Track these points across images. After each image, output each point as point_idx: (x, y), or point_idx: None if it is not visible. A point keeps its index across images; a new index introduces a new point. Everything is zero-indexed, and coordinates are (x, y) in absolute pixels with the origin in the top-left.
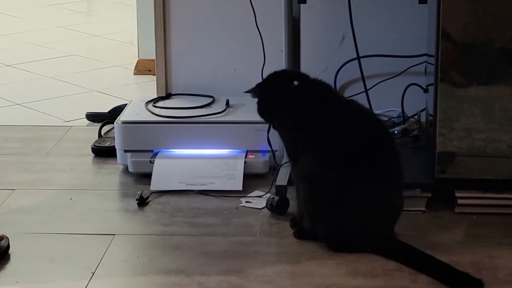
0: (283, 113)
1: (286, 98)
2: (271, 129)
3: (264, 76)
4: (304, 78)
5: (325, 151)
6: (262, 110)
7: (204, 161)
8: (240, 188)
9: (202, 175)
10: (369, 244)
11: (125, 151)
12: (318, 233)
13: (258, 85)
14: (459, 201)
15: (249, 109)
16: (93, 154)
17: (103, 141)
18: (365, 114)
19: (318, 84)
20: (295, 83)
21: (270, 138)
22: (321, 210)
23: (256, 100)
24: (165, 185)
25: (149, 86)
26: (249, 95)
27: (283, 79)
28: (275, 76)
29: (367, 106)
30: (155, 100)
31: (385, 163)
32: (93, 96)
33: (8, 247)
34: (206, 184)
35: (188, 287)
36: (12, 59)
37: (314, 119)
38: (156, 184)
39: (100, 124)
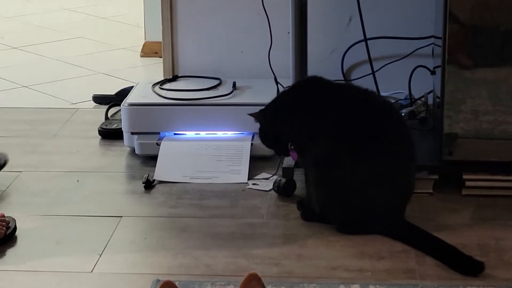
0: (284, 116)
1: (285, 103)
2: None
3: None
4: (294, 86)
5: (333, 136)
6: (262, 136)
7: (209, 154)
8: (246, 181)
9: (206, 169)
10: (380, 226)
11: (132, 133)
12: (329, 216)
13: (261, 111)
14: (467, 183)
15: (256, 91)
16: (99, 136)
17: (110, 123)
18: (370, 95)
19: (312, 79)
20: (287, 93)
21: None
22: (332, 194)
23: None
24: (169, 177)
25: (156, 68)
26: (256, 78)
27: (280, 99)
28: (274, 101)
29: (374, 88)
30: (161, 82)
31: (395, 143)
32: (100, 79)
33: (15, 229)
34: (210, 178)
35: (195, 269)
36: (19, 42)
37: (317, 108)
38: (160, 175)
39: (106, 107)
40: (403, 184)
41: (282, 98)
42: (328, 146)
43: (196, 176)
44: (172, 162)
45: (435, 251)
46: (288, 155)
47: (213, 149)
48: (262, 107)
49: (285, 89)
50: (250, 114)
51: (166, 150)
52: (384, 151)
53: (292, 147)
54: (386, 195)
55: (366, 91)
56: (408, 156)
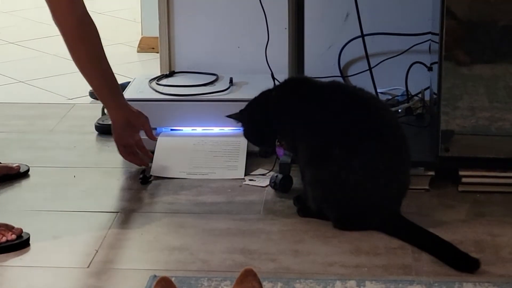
0: (273, 118)
1: (270, 107)
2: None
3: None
4: (281, 84)
5: (325, 133)
6: (249, 134)
7: (206, 150)
8: (242, 176)
9: (203, 165)
10: (376, 222)
11: None
12: (325, 213)
13: (242, 111)
14: (463, 180)
15: (252, 87)
16: (96, 132)
17: (107, 119)
18: (358, 92)
19: (297, 80)
20: (273, 93)
21: None
22: (328, 191)
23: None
24: (166, 172)
25: (153, 64)
26: (253, 74)
27: (263, 97)
28: (256, 100)
29: (371, 84)
30: (158, 78)
31: (387, 138)
32: None
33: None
34: (207, 174)
35: (192, 265)
36: (15, 37)
37: (306, 109)
38: (157, 170)
39: None
40: (398, 179)
41: (267, 98)
42: (321, 144)
43: (193, 172)
44: (168, 158)
45: (431, 247)
46: (274, 152)
47: (210, 145)
48: (241, 108)
49: (266, 90)
50: (229, 116)
51: (162, 146)
52: (377, 147)
53: (278, 143)
54: (381, 190)
55: (354, 88)
56: (401, 150)
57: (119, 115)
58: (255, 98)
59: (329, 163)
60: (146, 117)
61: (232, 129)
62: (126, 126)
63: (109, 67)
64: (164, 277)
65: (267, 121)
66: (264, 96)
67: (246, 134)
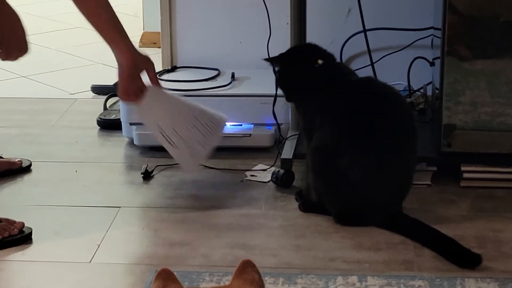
0: (306, 91)
1: (309, 75)
2: (277, 102)
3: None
4: (328, 57)
5: (340, 126)
6: (281, 81)
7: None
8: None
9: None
10: (377, 219)
11: (131, 123)
12: (326, 207)
13: (282, 55)
14: (465, 175)
15: (254, 82)
16: (98, 127)
17: (108, 114)
18: (384, 91)
19: (339, 64)
20: (320, 62)
21: (275, 111)
22: (331, 184)
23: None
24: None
25: (155, 59)
26: (255, 69)
27: (308, 55)
28: (300, 50)
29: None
30: (160, 73)
31: (399, 135)
32: (98, 69)
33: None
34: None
35: (193, 260)
36: None
37: (335, 97)
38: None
39: (105, 97)
40: (402, 177)
41: (310, 60)
42: (333, 134)
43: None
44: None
45: (433, 243)
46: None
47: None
48: (281, 53)
49: (312, 44)
50: (266, 59)
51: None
52: (388, 144)
53: None
54: (385, 187)
55: (382, 87)
56: (410, 148)
57: (128, 57)
58: (299, 48)
59: (337, 158)
60: (153, 62)
61: (234, 125)
62: (134, 69)
63: (113, 11)
64: (165, 268)
65: (302, 79)
66: (309, 53)
67: (279, 82)
